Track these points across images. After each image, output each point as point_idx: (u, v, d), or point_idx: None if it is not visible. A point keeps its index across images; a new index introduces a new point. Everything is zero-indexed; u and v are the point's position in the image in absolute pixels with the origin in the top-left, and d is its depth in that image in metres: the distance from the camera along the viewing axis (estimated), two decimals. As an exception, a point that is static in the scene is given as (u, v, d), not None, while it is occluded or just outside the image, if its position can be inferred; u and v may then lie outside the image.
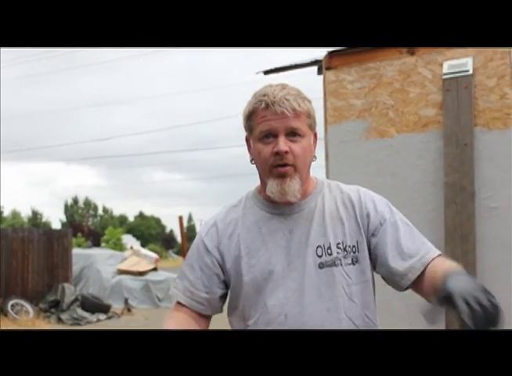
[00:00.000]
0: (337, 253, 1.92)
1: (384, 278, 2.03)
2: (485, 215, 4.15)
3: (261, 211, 2.01)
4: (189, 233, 40.69)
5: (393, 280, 1.98)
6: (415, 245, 1.97)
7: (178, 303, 2.02)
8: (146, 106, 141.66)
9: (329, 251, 1.92)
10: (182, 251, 22.78)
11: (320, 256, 1.92)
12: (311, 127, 1.97)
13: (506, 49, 4.22)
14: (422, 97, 4.55)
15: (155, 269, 19.81)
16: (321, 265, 1.91)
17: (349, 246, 1.94)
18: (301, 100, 1.91)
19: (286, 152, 1.87)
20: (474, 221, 4.13)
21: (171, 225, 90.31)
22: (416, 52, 4.63)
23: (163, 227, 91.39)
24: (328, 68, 5.01)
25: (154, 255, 26.49)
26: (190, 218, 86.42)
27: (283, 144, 1.87)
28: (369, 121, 4.75)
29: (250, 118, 1.96)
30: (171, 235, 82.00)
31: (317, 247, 1.92)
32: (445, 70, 4.42)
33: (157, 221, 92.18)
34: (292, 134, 1.89)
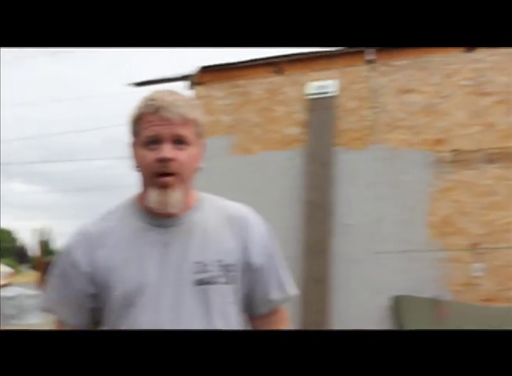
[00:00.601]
0: (216, 271, 1.87)
1: (243, 300, 2.01)
2: (342, 231, 4.32)
3: (138, 222, 1.90)
4: (45, 247, 39.15)
5: (254, 304, 1.98)
6: (281, 281, 2.00)
7: (58, 318, 1.93)
8: (4, 115, 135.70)
9: (207, 268, 1.84)
10: (36, 266, 21.81)
11: (197, 273, 1.84)
12: (200, 136, 1.90)
13: (366, 74, 4.47)
14: (287, 116, 4.69)
15: (6, 285, 18.89)
16: (198, 283, 1.84)
17: (228, 264, 1.87)
18: (190, 108, 1.84)
19: (171, 159, 1.77)
20: (331, 237, 4.29)
21: (26, 239, 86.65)
22: (284, 72, 4.78)
23: (16, 240, 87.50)
24: (199, 83, 5.05)
25: (8, 270, 25.26)
26: (46, 232, 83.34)
27: (167, 151, 1.78)
28: (235, 138, 4.82)
29: (137, 123, 1.86)
30: (24, 249, 78.66)
31: (195, 264, 1.86)
32: (310, 90, 4.59)
33: (10, 234, 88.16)
34: (178, 141, 1.80)
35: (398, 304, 4.10)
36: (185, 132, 1.81)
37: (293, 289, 2.00)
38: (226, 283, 1.85)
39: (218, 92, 4.94)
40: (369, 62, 4.57)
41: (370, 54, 4.60)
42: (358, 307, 4.18)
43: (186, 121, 1.81)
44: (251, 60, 4.95)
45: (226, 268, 1.86)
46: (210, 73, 5.01)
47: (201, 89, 5.00)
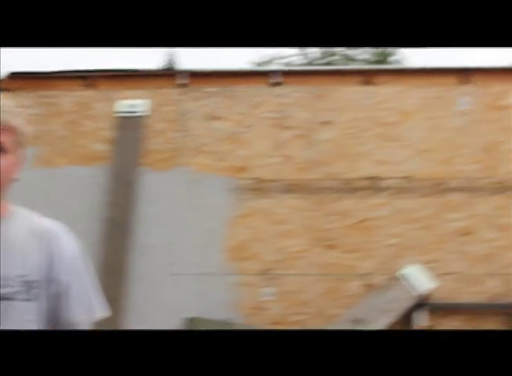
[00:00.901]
0: (17, 287, 1.81)
1: (48, 319, 1.96)
2: (141, 251, 4.33)
3: None
4: None
5: (60, 324, 1.94)
6: (89, 302, 1.97)
7: None
8: None
9: (8, 283, 1.79)
10: None
11: None
12: (20, 145, 1.85)
13: (177, 97, 4.57)
14: (95, 132, 4.64)
15: None
16: None
17: (32, 281, 1.81)
18: (13, 114, 1.79)
19: None
20: (129, 256, 4.28)
21: None
22: (96, 86, 4.73)
23: None
24: (6, 90, 4.85)
25: None
26: None
27: None
28: (39, 150, 4.67)
29: None
30: None
31: None
32: (120, 108, 4.58)
33: None
34: None
35: (191, 325, 4.17)
36: (5, 139, 1.76)
37: (102, 311, 1.97)
38: (27, 299, 1.79)
39: (25, 100, 4.78)
40: (182, 86, 4.66)
41: (183, 78, 4.69)
42: (152, 327, 4.20)
43: (7, 128, 1.76)
44: (63, 71, 4.85)
45: (29, 284, 1.80)
46: (18, 80, 4.84)
47: (8, 96, 4.80)
